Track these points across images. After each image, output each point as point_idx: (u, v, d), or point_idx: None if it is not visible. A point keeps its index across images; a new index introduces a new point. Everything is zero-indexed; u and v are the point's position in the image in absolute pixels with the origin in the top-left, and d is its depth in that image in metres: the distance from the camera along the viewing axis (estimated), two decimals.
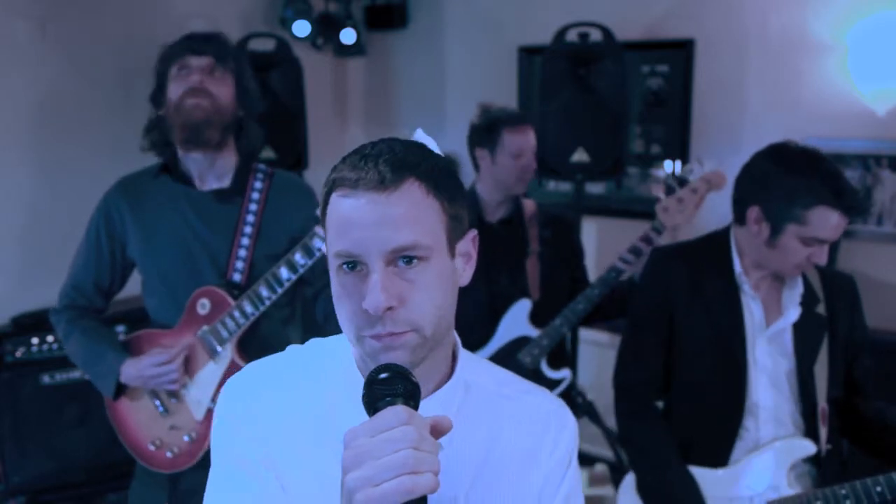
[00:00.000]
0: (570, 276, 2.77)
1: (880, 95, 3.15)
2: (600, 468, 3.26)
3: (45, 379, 3.09)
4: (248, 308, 2.00)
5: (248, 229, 2.08)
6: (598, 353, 3.65)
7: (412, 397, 0.90)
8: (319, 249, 1.93)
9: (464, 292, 1.07)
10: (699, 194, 2.40)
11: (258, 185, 2.13)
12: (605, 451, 3.44)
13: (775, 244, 1.91)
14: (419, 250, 0.96)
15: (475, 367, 1.14)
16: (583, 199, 3.36)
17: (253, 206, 2.10)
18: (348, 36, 4.31)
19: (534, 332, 2.66)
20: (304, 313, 2.29)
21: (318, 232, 1.92)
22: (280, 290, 1.98)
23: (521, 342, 2.66)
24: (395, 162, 0.97)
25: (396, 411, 0.85)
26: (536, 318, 2.68)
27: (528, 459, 1.10)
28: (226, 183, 2.11)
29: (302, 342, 2.36)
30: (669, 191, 2.42)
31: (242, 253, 2.07)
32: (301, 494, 1.03)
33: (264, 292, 1.99)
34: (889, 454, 2.04)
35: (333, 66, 4.62)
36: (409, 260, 0.96)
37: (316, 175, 3.72)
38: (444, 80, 4.38)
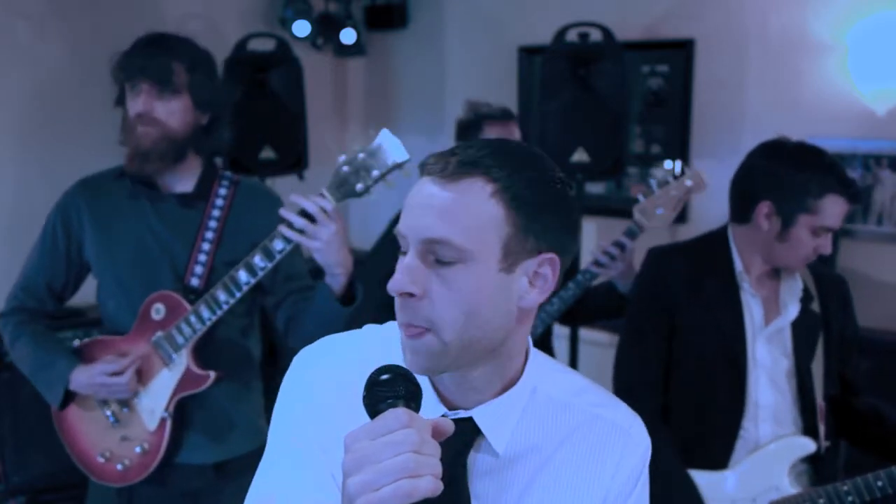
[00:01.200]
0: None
1: (880, 95, 3.15)
2: None
3: None
4: (206, 313, 1.93)
5: (209, 234, 2.02)
6: (598, 353, 3.64)
7: (414, 399, 0.89)
8: (280, 251, 1.88)
9: None
10: (677, 196, 2.40)
11: (223, 191, 2.07)
12: None
13: (786, 237, 1.94)
14: (450, 250, 0.93)
15: (548, 373, 1.09)
16: (583, 199, 3.36)
17: (216, 212, 2.04)
18: (348, 36, 4.31)
19: None
20: (264, 323, 2.24)
21: (280, 232, 1.87)
22: (239, 294, 1.92)
23: None
24: (470, 157, 0.95)
25: (397, 414, 0.85)
26: None
27: (587, 475, 1.05)
28: (189, 187, 2.05)
29: (261, 352, 2.33)
30: (648, 193, 2.42)
31: (202, 258, 2.01)
32: None
33: (222, 296, 1.92)
34: (885, 447, 2.05)
35: (333, 66, 4.62)
36: (444, 259, 0.94)
37: (316, 175, 3.72)
38: (444, 80, 4.37)
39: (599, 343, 3.69)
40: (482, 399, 1.02)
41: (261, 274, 1.91)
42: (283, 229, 1.86)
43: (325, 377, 1.06)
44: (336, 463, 0.97)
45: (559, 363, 1.16)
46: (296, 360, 1.10)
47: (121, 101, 2.03)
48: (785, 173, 1.93)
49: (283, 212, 1.89)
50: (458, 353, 0.96)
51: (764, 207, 1.96)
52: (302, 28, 4.15)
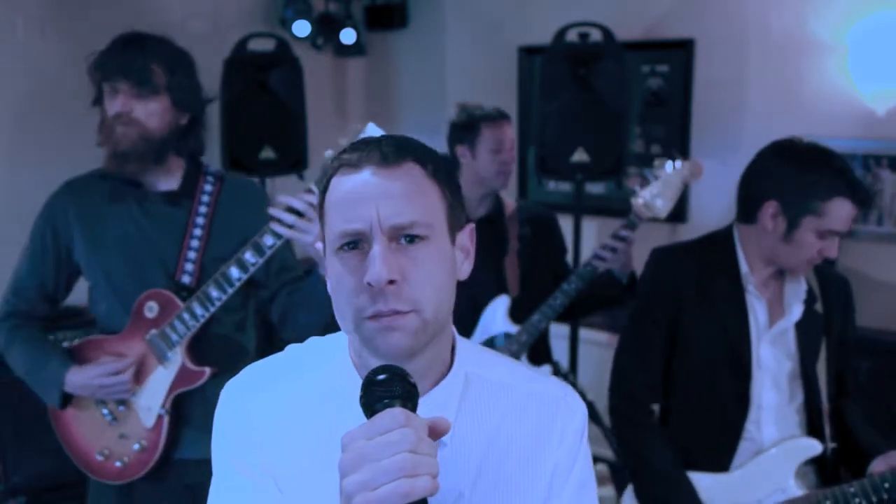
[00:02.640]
0: (551, 273, 2.77)
1: (880, 95, 3.15)
2: (600, 468, 3.26)
3: None
4: (198, 310, 1.95)
5: (197, 231, 2.03)
6: (598, 353, 3.65)
7: (410, 399, 0.89)
8: (270, 247, 1.89)
9: None
10: (674, 186, 2.40)
11: (208, 188, 2.07)
12: (606, 451, 3.44)
13: (791, 239, 1.92)
14: (420, 228, 0.97)
15: (475, 357, 1.12)
16: (583, 199, 3.36)
17: (203, 209, 2.05)
18: (348, 36, 4.31)
19: (513, 329, 2.67)
20: (258, 317, 2.24)
21: (270, 228, 1.88)
22: (230, 290, 1.93)
23: (501, 339, 2.67)
24: (396, 144, 1.00)
25: (394, 414, 0.85)
26: (516, 314, 2.69)
27: (534, 450, 1.07)
28: (174, 185, 2.05)
29: (256, 346, 2.34)
30: (645, 184, 2.42)
31: (192, 255, 2.02)
32: (300, 498, 1.02)
33: (214, 293, 1.94)
34: (845, 456, 2.06)
35: (333, 66, 4.62)
36: (410, 239, 0.97)
37: (316, 175, 3.72)
38: (444, 80, 4.37)
39: (599, 343, 3.69)
40: (421, 391, 1.01)
41: (252, 270, 1.92)
42: (273, 225, 1.88)
43: (259, 405, 1.06)
44: (283, 484, 1.02)
45: (479, 346, 1.18)
46: (224, 393, 1.10)
47: (98, 100, 2.01)
48: (793, 174, 1.91)
49: (273, 210, 1.89)
50: (432, 331, 0.99)
51: (770, 207, 1.94)
52: (302, 28, 4.15)
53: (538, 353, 2.78)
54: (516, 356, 2.65)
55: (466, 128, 2.74)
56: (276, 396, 1.07)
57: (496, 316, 2.70)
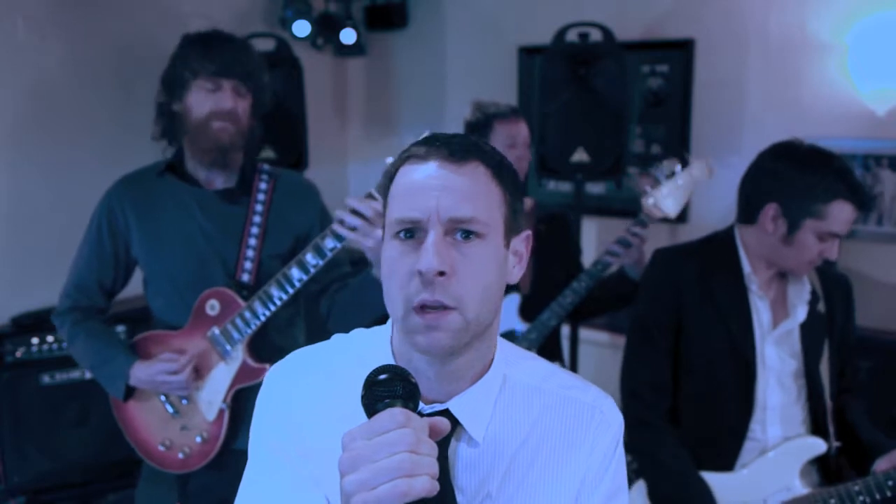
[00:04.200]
0: (565, 272, 2.77)
1: (880, 95, 3.15)
2: None
3: (45, 379, 3.09)
4: (260, 309, 1.99)
5: (254, 229, 2.08)
6: (598, 353, 3.65)
7: (412, 398, 0.90)
8: (332, 249, 1.92)
9: None
10: (685, 186, 2.40)
11: (263, 185, 2.12)
12: None
13: (792, 240, 1.93)
14: (477, 225, 0.98)
15: (515, 360, 1.13)
16: (583, 199, 3.36)
17: (259, 207, 2.10)
18: (348, 36, 4.31)
19: (523, 327, 2.67)
20: (308, 310, 2.28)
21: (332, 230, 1.90)
22: (291, 291, 1.97)
23: (510, 336, 2.67)
24: (464, 143, 1.03)
25: (393, 414, 0.85)
26: (527, 312, 2.69)
27: (564, 456, 1.07)
28: (230, 183, 2.10)
29: (306, 340, 2.37)
30: (656, 183, 2.42)
31: (250, 253, 2.07)
32: (332, 484, 1.01)
33: (275, 293, 1.98)
34: (848, 452, 2.06)
35: (333, 66, 4.62)
36: (466, 234, 0.98)
37: (316, 175, 3.71)
38: (444, 80, 4.37)
39: (599, 343, 3.69)
40: (458, 389, 1.04)
41: (313, 271, 1.96)
42: (336, 227, 1.89)
43: (300, 390, 1.08)
44: (317, 471, 1.02)
45: (524, 350, 1.18)
46: (268, 376, 1.12)
47: (172, 89, 2.05)
48: (794, 176, 1.91)
49: (339, 212, 1.90)
50: (474, 331, 1.00)
51: (770, 209, 1.95)
52: (302, 28, 4.15)
53: (548, 351, 2.76)
54: None
55: (480, 125, 2.73)
56: (315, 383, 1.08)
57: (507, 313, 2.70)
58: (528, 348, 2.63)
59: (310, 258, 1.94)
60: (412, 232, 0.99)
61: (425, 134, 1.07)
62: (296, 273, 1.96)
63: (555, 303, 2.59)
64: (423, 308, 0.97)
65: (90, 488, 3.17)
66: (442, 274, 0.95)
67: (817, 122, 3.19)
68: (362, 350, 1.10)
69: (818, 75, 3.26)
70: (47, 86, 3.33)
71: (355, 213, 1.86)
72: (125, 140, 3.31)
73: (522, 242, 1.08)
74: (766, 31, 3.38)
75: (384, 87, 4.66)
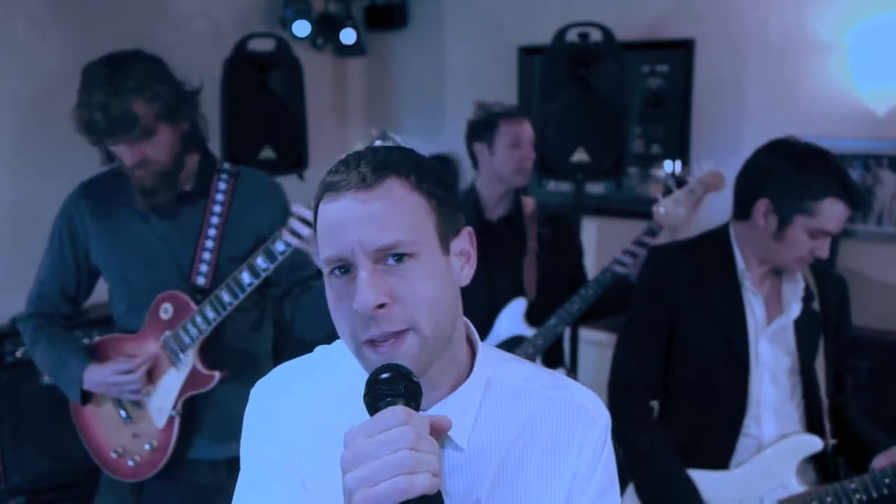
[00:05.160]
0: (568, 275, 2.77)
1: (880, 95, 3.15)
2: None
3: (45, 379, 3.08)
4: (210, 314, 1.95)
5: (211, 232, 2.04)
6: (598, 353, 3.65)
7: (413, 397, 0.90)
8: (282, 253, 1.89)
9: (462, 291, 1.06)
10: (696, 195, 2.40)
11: (222, 185, 2.07)
12: None
13: (783, 237, 1.93)
14: (405, 247, 0.95)
15: (498, 363, 1.11)
16: (583, 199, 3.36)
17: (217, 208, 2.05)
18: (348, 36, 4.31)
19: (529, 332, 2.67)
20: (275, 315, 2.25)
21: (281, 236, 1.88)
22: (242, 296, 1.94)
23: (516, 341, 2.66)
24: (375, 162, 0.98)
25: (395, 412, 0.85)
26: (533, 317, 2.68)
27: (553, 458, 1.06)
28: (188, 185, 2.05)
29: (272, 345, 2.34)
30: (667, 192, 2.41)
31: (206, 256, 2.03)
32: (324, 496, 1.03)
33: (226, 297, 1.94)
34: (847, 450, 2.06)
35: (333, 66, 4.62)
36: (398, 258, 0.95)
37: (316, 175, 3.71)
38: (444, 80, 4.37)
39: (599, 343, 3.69)
40: (437, 398, 1.03)
41: (263, 275, 1.92)
42: (284, 234, 1.87)
43: (285, 403, 1.08)
44: (305, 481, 1.03)
45: (507, 353, 1.17)
46: (254, 390, 1.12)
47: (101, 150, 2.00)
48: (786, 172, 1.92)
49: (291, 220, 1.87)
50: (435, 346, 0.98)
51: (762, 205, 1.96)
52: (302, 28, 4.15)
53: (552, 356, 2.76)
54: (531, 359, 2.64)
55: (484, 125, 2.73)
56: (302, 396, 1.08)
57: (513, 318, 2.69)
58: (535, 354, 2.63)
59: (260, 262, 1.90)
60: (344, 269, 0.97)
61: (377, 142, 1.02)
62: (246, 278, 1.92)
63: (562, 309, 2.59)
64: (372, 342, 0.96)
65: (90, 488, 3.15)
66: (382, 306, 0.94)
67: (817, 122, 3.19)
68: (344, 360, 1.08)
69: (818, 75, 3.26)
70: (47, 86, 3.33)
71: (304, 221, 1.84)
72: None
73: (466, 241, 1.05)
74: (766, 31, 3.39)
75: (384, 87, 4.66)
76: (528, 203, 2.83)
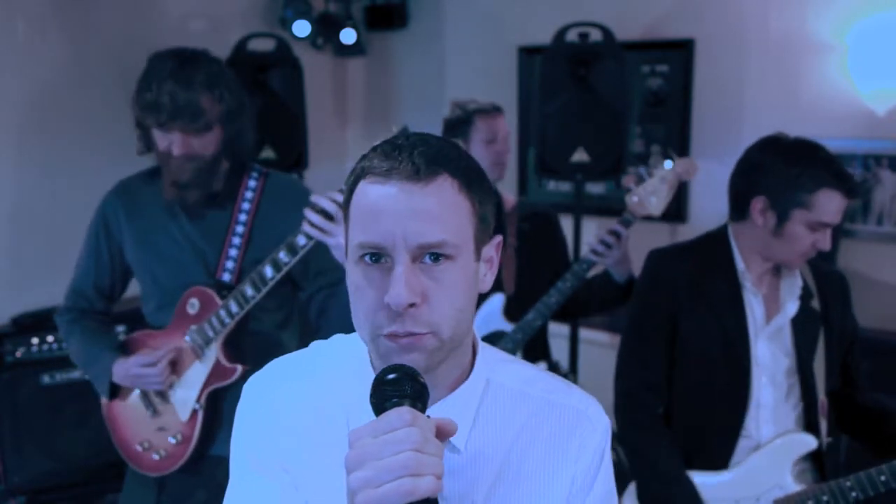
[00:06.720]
0: (550, 270, 2.76)
1: (880, 95, 3.15)
2: None
3: (45, 379, 3.09)
4: (234, 308, 1.98)
5: (238, 230, 2.07)
6: (598, 353, 3.65)
7: (420, 398, 0.89)
8: (303, 247, 1.88)
9: None
10: (668, 183, 2.40)
11: (252, 187, 2.10)
12: None
13: (782, 232, 1.94)
14: (447, 248, 0.93)
15: (498, 363, 1.10)
16: (583, 199, 3.36)
17: (245, 210, 2.08)
18: (348, 36, 4.31)
19: (508, 327, 2.67)
20: (302, 318, 2.26)
21: (302, 230, 1.87)
22: (265, 289, 1.95)
23: (495, 337, 2.67)
24: (430, 155, 0.94)
25: (401, 412, 0.85)
26: (512, 312, 2.68)
27: (551, 462, 1.04)
28: (217, 187, 2.08)
29: (298, 346, 2.35)
30: (640, 181, 2.42)
31: (233, 253, 2.06)
32: (314, 493, 1.02)
33: (249, 291, 1.96)
34: (887, 443, 2.05)
35: (333, 66, 4.62)
36: (436, 258, 0.93)
37: (316, 175, 3.72)
38: (444, 80, 4.37)
39: (599, 343, 3.69)
40: (436, 398, 1.01)
41: (285, 269, 1.92)
42: (304, 226, 1.86)
43: (279, 398, 1.07)
44: (297, 478, 1.02)
45: (507, 354, 1.15)
46: (247, 385, 1.10)
47: (144, 138, 2.02)
48: (778, 168, 1.93)
49: (307, 211, 1.86)
50: (449, 348, 0.97)
51: (758, 203, 1.96)
52: (302, 28, 4.15)
53: (534, 351, 2.76)
54: (511, 354, 2.64)
55: (460, 121, 2.76)
56: (295, 391, 1.07)
57: (492, 314, 2.70)
58: (514, 348, 2.63)
59: (282, 256, 1.91)
60: (377, 256, 0.93)
61: (394, 130, 0.97)
62: (269, 271, 1.93)
63: (540, 303, 2.59)
64: (393, 336, 0.94)
65: (90, 488, 3.17)
66: (413, 305, 0.92)
67: (817, 122, 3.19)
68: (340, 357, 1.07)
69: (818, 75, 3.26)
70: (48, 86, 3.33)
71: (323, 212, 1.82)
72: (124, 140, 3.29)
73: (493, 249, 1.03)
74: (766, 31, 3.39)
75: (384, 87, 4.66)
76: (509, 201, 2.85)
